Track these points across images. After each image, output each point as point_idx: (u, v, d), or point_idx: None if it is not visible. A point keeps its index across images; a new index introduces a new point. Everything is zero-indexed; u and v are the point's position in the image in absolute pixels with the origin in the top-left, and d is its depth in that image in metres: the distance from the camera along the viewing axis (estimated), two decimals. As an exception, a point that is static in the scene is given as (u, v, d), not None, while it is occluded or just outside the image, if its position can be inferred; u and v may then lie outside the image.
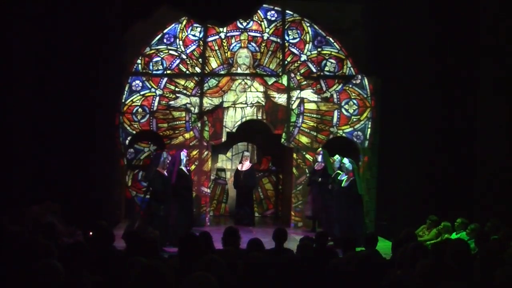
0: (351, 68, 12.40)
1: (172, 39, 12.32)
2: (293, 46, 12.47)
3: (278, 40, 12.47)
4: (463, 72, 10.39)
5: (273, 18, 12.53)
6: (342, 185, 10.17)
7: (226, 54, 12.43)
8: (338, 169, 10.67)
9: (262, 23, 12.53)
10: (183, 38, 12.36)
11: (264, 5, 12.05)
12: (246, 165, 12.30)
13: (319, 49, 12.43)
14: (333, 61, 12.45)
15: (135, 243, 5.65)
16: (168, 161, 9.98)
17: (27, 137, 10.04)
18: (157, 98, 12.18)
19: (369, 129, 12.27)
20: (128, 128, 12.10)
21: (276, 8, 12.48)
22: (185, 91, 12.24)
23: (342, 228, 9.90)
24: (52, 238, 5.87)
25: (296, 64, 12.42)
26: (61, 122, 10.17)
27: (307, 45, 12.44)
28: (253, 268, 3.93)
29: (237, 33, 12.52)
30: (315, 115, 12.34)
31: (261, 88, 12.35)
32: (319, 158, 11.48)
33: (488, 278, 4.01)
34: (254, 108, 12.36)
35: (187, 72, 12.32)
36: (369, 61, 11.94)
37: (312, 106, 12.34)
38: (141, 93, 12.19)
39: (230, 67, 12.40)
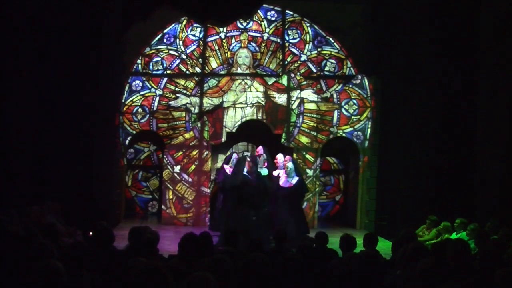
0: (351, 68, 12.41)
1: (172, 39, 12.32)
2: (293, 46, 12.47)
3: (278, 40, 12.48)
4: (463, 71, 10.39)
5: (273, 18, 12.53)
6: (281, 183, 9.70)
7: (226, 54, 12.43)
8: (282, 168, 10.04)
9: (262, 23, 12.53)
10: (183, 38, 12.36)
11: (264, 5, 12.05)
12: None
13: (319, 49, 12.44)
14: (333, 61, 12.46)
15: (136, 243, 5.65)
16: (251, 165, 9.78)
17: (27, 137, 10.03)
18: (157, 98, 12.19)
19: (369, 129, 12.28)
20: (128, 128, 12.10)
21: (276, 8, 12.49)
22: (185, 91, 12.24)
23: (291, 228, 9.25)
24: (52, 238, 5.86)
25: (296, 64, 12.42)
26: (61, 122, 10.17)
27: (307, 45, 12.45)
28: (253, 268, 3.93)
29: (237, 33, 12.53)
30: (315, 115, 12.34)
31: (261, 88, 12.35)
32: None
33: (488, 278, 4.01)
34: (254, 108, 12.36)
35: (187, 72, 12.32)
36: (369, 61, 11.95)
37: (312, 106, 12.35)
38: (141, 93, 12.20)
39: (230, 67, 12.40)
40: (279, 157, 10.22)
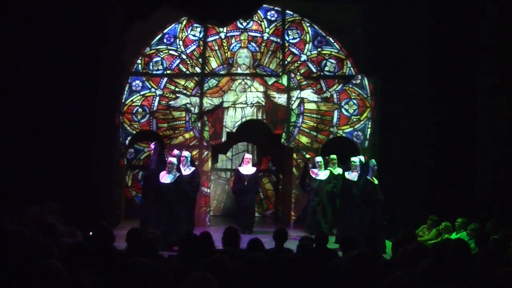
0: (351, 68, 12.40)
1: (172, 39, 12.32)
2: (293, 46, 12.47)
3: (278, 40, 12.47)
4: (463, 72, 10.39)
5: (273, 18, 12.53)
6: None
7: (226, 54, 12.42)
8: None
9: (262, 23, 12.53)
10: (183, 38, 12.36)
11: (264, 5, 12.04)
12: (250, 168, 11.37)
13: (319, 49, 12.43)
14: (333, 61, 12.45)
15: (136, 243, 5.64)
16: None
17: (28, 137, 10.04)
18: (157, 98, 12.18)
19: (369, 129, 12.27)
20: (128, 128, 12.09)
21: (276, 8, 12.48)
22: (185, 91, 12.24)
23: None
24: (52, 238, 5.86)
25: (296, 64, 12.42)
26: (61, 122, 10.18)
27: (307, 45, 12.44)
28: (253, 268, 3.93)
29: (237, 33, 12.52)
30: (315, 115, 12.34)
31: (261, 88, 12.35)
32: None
33: (488, 278, 4.01)
34: (254, 108, 12.36)
35: (187, 72, 12.32)
36: (369, 61, 11.94)
37: (312, 106, 12.34)
38: (141, 93, 12.19)
39: (230, 67, 12.40)
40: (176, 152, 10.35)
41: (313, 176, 11.14)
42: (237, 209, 11.61)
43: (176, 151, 10.49)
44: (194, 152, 12.19)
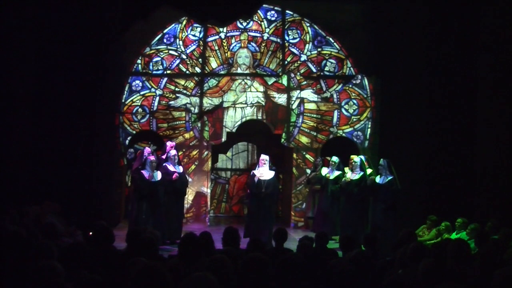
0: (351, 68, 12.40)
1: (172, 39, 12.32)
2: (293, 46, 12.47)
3: (278, 40, 12.47)
4: (463, 72, 10.39)
5: (273, 18, 12.53)
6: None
7: (226, 54, 12.43)
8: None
9: (262, 23, 12.53)
10: (183, 38, 12.36)
11: (264, 5, 12.05)
12: (267, 172, 9.57)
13: (319, 49, 12.43)
14: (333, 61, 12.45)
15: (136, 243, 5.64)
16: None
17: (27, 137, 10.04)
18: (157, 98, 12.19)
19: (369, 129, 12.27)
20: (128, 128, 12.10)
21: (276, 8, 12.48)
22: (185, 91, 12.24)
23: None
24: (52, 238, 5.86)
25: (296, 64, 12.42)
26: (61, 122, 10.18)
27: (307, 45, 12.44)
28: (253, 268, 3.93)
29: (237, 33, 12.52)
30: (315, 115, 12.34)
31: (261, 88, 12.35)
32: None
33: (488, 278, 4.01)
34: (254, 108, 12.36)
35: (187, 72, 12.32)
36: (369, 61, 11.94)
37: (312, 106, 12.34)
38: (141, 93, 12.19)
39: (230, 67, 12.40)
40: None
41: (324, 174, 11.01)
42: (248, 216, 9.98)
43: (148, 149, 10.23)
44: (194, 152, 12.20)
